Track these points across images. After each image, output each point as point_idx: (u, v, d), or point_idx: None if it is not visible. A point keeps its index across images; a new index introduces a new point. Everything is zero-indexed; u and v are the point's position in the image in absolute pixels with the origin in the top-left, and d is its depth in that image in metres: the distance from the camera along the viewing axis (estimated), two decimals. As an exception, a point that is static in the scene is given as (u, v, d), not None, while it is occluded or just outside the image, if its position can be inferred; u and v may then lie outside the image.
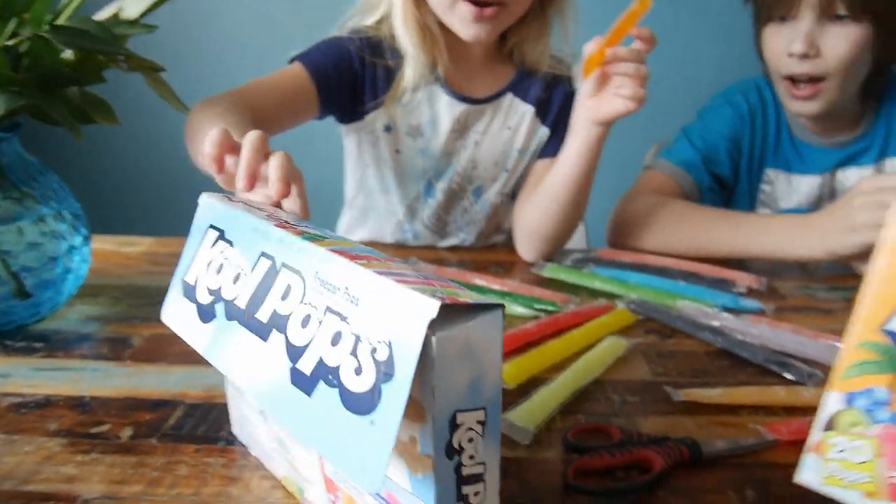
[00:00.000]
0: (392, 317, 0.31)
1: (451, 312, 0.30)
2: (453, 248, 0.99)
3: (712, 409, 0.57)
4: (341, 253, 0.36)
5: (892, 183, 0.78)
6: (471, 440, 0.32)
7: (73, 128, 0.54)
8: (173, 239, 0.92)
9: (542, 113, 0.95)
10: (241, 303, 0.40)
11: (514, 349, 0.65)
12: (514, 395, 0.57)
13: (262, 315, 0.38)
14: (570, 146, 0.84)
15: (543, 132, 0.96)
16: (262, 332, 0.38)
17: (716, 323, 0.71)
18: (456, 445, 0.32)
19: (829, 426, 0.39)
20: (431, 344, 0.30)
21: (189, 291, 0.44)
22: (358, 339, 0.32)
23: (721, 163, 1.05)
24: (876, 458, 0.38)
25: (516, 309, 0.73)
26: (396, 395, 0.30)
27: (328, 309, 0.34)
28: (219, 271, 0.42)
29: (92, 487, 0.45)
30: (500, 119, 0.94)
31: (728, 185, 1.08)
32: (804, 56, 0.93)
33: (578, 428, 0.53)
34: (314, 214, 0.51)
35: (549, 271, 0.85)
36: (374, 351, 0.31)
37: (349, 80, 0.90)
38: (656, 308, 0.75)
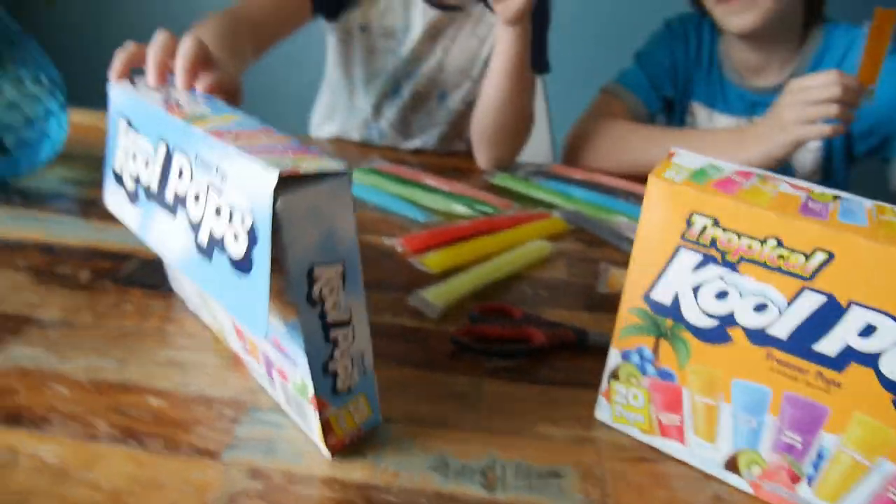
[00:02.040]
0: (250, 188, 0.36)
1: (301, 180, 0.35)
2: (416, 151, 1.04)
3: (614, 309, 0.64)
4: (217, 132, 0.40)
5: (817, 81, 0.81)
6: (332, 290, 0.38)
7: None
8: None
9: None
10: (153, 185, 0.45)
11: (445, 241, 0.71)
12: (434, 279, 0.64)
13: (169, 195, 0.43)
14: (494, 49, 0.89)
15: None
16: (171, 209, 0.43)
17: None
18: (316, 296, 0.37)
19: (614, 376, 0.46)
20: (277, 208, 0.35)
21: (118, 178, 0.49)
22: (231, 210, 0.37)
23: (665, 85, 1.09)
24: (648, 404, 0.45)
25: (457, 208, 0.79)
26: (261, 255, 0.35)
27: (209, 185, 0.39)
28: (134, 158, 0.47)
29: (50, 313, 0.52)
30: (470, 27, 0.98)
31: (674, 105, 1.11)
32: None
33: (485, 306, 0.60)
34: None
35: (499, 179, 0.91)
36: (242, 220, 0.37)
37: None
38: (588, 219, 0.80)
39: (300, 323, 0.38)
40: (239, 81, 0.60)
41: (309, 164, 0.36)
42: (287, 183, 0.34)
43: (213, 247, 0.39)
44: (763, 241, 0.39)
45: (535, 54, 1.00)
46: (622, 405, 0.47)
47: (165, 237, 0.44)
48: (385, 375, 0.51)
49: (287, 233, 0.35)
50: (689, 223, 0.41)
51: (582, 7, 1.81)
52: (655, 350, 0.45)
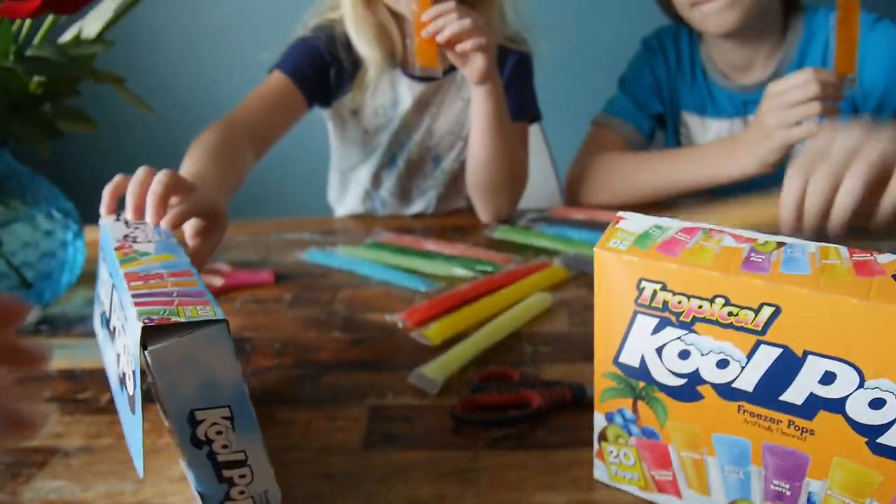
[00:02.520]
0: (132, 334, 0.39)
1: (177, 328, 0.38)
2: (418, 216, 1.07)
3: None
4: (136, 275, 0.45)
5: (793, 82, 0.80)
6: (219, 433, 0.40)
7: (39, 144, 0.64)
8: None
9: None
10: (107, 314, 0.50)
11: (445, 309, 0.73)
12: (436, 351, 0.66)
13: (110, 326, 0.48)
14: (472, 109, 0.93)
15: None
16: (113, 336, 0.48)
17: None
18: (202, 437, 0.39)
19: (603, 437, 0.47)
20: (148, 356, 0.37)
21: (97, 301, 0.55)
22: (126, 351, 0.41)
23: (652, 103, 1.09)
24: (639, 462, 0.46)
25: (458, 271, 0.81)
26: (137, 400, 0.39)
27: (122, 326, 0.43)
28: (102, 286, 0.52)
29: (73, 441, 0.56)
30: (454, 91, 1.01)
31: (667, 121, 1.11)
32: None
33: (483, 374, 0.61)
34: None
35: (500, 232, 0.92)
36: (129, 363, 0.40)
37: (324, 74, 1.00)
38: (589, 262, 0.81)
39: (188, 464, 0.40)
40: (219, 203, 0.64)
41: (188, 313, 0.39)
42: (163, 331, 0.37)
43: (122, 382, 0.44)
44: (711, 301, 0.39)
45: (525, 106, 1.03)
46: (616, 465, 0.48)
47: (108, 362, 0.50)
48: (387, 461, 0.52)
49: (162, 379, 0.38)
50: (639, 289, 0.42)
51: (575, 47, 1.83)
52: (635, 411, 0.45)
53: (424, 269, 0.83)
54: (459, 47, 0.82)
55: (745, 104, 1.04)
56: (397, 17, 0.95)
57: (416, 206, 1.09)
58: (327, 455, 0.54)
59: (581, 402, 0.57)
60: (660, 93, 1.10)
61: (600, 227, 0.91)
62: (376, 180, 1.08)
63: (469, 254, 0.85)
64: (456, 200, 1.10)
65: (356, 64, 1.00)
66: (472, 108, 0.93)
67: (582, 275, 0.80)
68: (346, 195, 1.13)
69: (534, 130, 1.22)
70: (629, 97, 1.09)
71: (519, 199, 0.99)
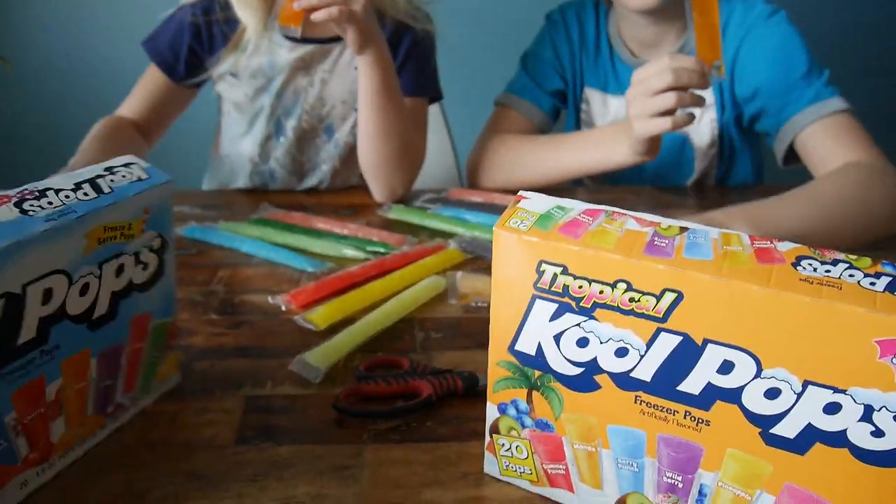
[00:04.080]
0: None
1: None
2: (311, 191, 1.01)
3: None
4: None
5: (652, 70, 0.78)
6: None
7: None
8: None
9: None
10: None
11: (334, 292, 0.68)
12: (321, 337, 0.61)
13: None
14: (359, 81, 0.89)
15: None
16: None
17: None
18: None
19: (495, 429, 0.44)
20: None
21: None
22: None
23: (551, 79, 1.06)
24: (531, 455, 0.44)
25: (347, 252, 0.76)
26: None
27: None
28: None
29: None
30: (347, 58, 0.96)
31: (567, 96, 1.08)
32: None
33: (370, 361, 0.57)
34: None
35: (395, 212, 0.88)
36: None
37: (193, 53, 0.96)
38: (486, 246, 0.79)
39: None
40: None
41: None
42: None
43: None
44: (613, 285, 0.37)
45: (423, 83, 0.99)
46: (508, 458, 0.45)
47: None
48: (261, 457, 0.48)
49: None
50: (539, 272, 0.39)
51: (481, 25, 1.80)
52: (529, 401, 0.43)
53: (313, 248, 0.78)
54: (315, 16, 0.78)
55: None
56: None
57: (309, 181, 1.03)
58: (194, 452, 0.48)
59: (473, 391, 0.54)
60: (561, 69, 1.07)
61: (498, 210, 0.88)
62: (263, 151, 1.00)
63: (361, 233, 0.81)
64: (351, 178, 1.04)
65: (229, 24, 0.94)
66: (359, 80, 0.89)
67: (478, 259, 0.78)
68: (234, 176, 1.04)
69: (434, 111, 1.19)
70: (529, 75, 1.06)
71: (414, 178, 0.95)
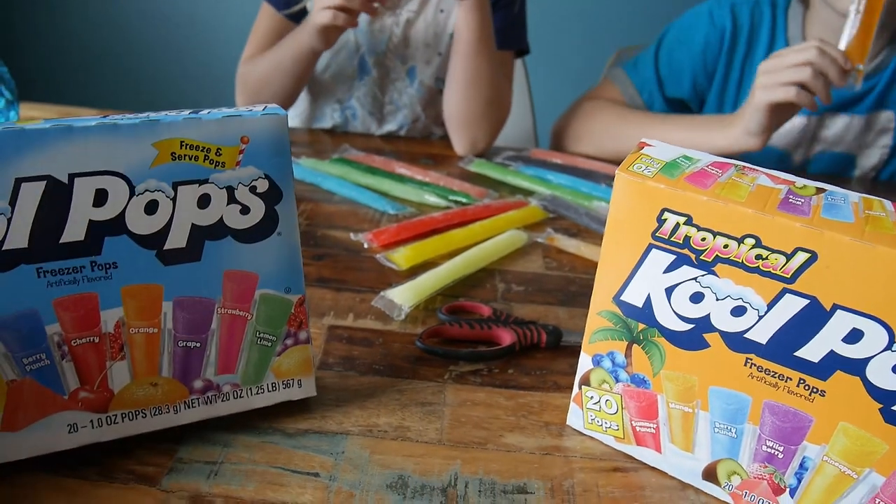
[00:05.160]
0: None
1: None
2: (389, 137, 1.00)
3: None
4: None
5: (797, 46, 0.76)
6: None
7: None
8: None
9: None
10: None
11: (415, 235, 0.68)
12: (403, 277, 0.61)
13: None
14: (455, 28, 0.87)
15: None
16: None
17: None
18: None
19: (585, 381, 0.43)
20: None
21: None
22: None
23: (681, 86, 1.00)
24: (621, 411, 0.42)
25: (430, 198, 0.75)
26: None
27: None
28: None
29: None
30: (434, 1, 0.94)
31: (691, 108, 1.02)
32: None
33: (453, 305, 0.57)
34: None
35: (476, 166, 0.87)
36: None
37: None
38: (568, 205, 0.77)
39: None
40: None
41: None
42: None
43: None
44: (740, 241, 0.36)
45: (511, 34, 0.96)
46: (594, 411, 0.44)
47: None
48: (344, 384, 0.48)
49: None
50: (660, 220, 0.38)
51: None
52: (628, 355, 0.42)
53: (394, 192, 0.77)
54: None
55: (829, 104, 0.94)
56: None
57: (389, 125, 1.02)
58: (278, 371, 0.48)
59: (556, 346, 0.53)
60: (704, 70, 0.98)
61: (579, 172, 0.87)
62: (346, 88, 1.00)
63: (443, 182, 0.80)
64: (433, 128, 1.03)
65: None
66: (456, 27, 0.87)
67: (559, 217, 0.76)
68: (317, 110, 1.04)
69: (517, 67, 1.16)
70: (659, 69, 0.99)
71: (497, 132, 0.93)
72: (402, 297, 0.56)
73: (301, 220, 0.71)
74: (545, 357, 0.53)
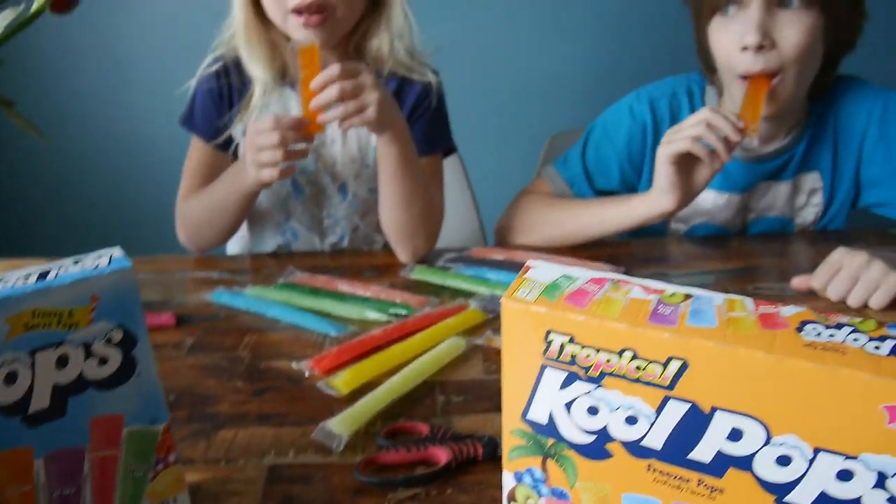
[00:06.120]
0: None
1: None
2: (334, 254, 1.03)
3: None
4: None
5: (686, 123, 0.85)
6: None
7: None
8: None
9: None
10: None
11: (356, 356, 0.69)
12: (345, 402, 0.62)
13: None
14: (376, 151, 0.92)
15: None
16: None
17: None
18: None
19: (512, 497, 0.45)
20: None
21: None
22: None
23: (609, 179, 1.04)
24: None
25: (370, 315, 0.78)
26: None
27: None
28: None
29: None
30: None
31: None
32: (759, 48, 0.86)
33: (390, 428, 0.58)
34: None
35: (418, 273, 0.90)
36: None
37: (218, 118, 1.00)
38: (506, 306, 0.79)
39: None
40: None
41: None
42: None
43: None
44: (620, 354, 0.38)
45: (436, 138, 1.01)
46: (527, 527, 0.45)
47: None
48: (282, 529, 0.48)
49: None
50: (547, 342, 0.40)
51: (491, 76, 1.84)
52: (545, 470, 0.43)
53: (337, 311, 0.79)
54: (324, 117, 0.82)
55: (759, 177, 1.01)
56: (288, 36, 0.93)
57: (331, 238, 1.05)
58: (217, 523, 0.49)
59: (493, 456, 0.54)
60: (629, 167, 1.03)
61: (518, 267, 0.89)
62: (284, 210, 1.04)
63: (383, 295, 0.82)
64: (374, 235, 1.06)
65: (249, 83, 0.99)
66: (377, 153, 0.91)
67: (499, 318, 0.78)
68: (259, 235, 1.08)
69: (453, 164, 1.21)
70: (584, 164, 1.04)
71: (436, 237, 0.97)
72: (341, 426, 0.57)
73: (245, 354, 0.72)
74: (483, 470, 0.54)
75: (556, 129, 1.29)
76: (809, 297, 0.82)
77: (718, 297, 0.39)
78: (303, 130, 0.83)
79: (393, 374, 0.65)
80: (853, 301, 0.78)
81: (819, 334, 0.35)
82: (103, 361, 0.42)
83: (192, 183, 1.01)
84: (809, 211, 1.05)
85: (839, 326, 0.35)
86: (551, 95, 1.66)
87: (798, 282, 0.83)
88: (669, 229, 1.08)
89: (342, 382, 0.64)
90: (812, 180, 1.03)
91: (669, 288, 0.40)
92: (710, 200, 1.03)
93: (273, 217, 1.05)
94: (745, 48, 0.87)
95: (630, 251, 0.99)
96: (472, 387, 0.65)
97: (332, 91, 0.80)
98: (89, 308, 0.41)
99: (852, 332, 0.35)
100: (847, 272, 0.79)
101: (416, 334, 0.72)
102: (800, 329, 0.35)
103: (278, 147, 0.82)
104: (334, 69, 0.80)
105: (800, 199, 1.04)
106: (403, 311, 0.78)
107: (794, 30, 0.86)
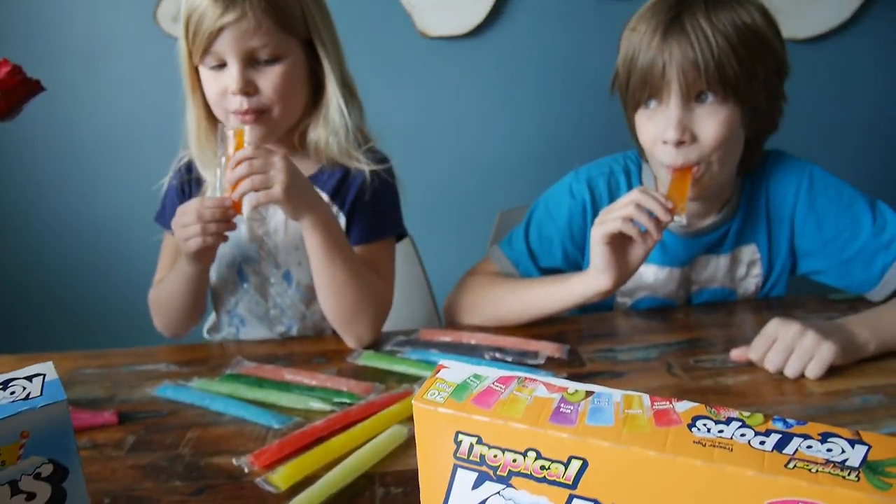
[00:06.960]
0: None
1: None
2: (284, 341, 1.03)
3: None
4: None
5: (616, 204, 0.89)
6: None
7: None
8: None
9: (337, 201, 1.00)
10: None
11: (297, 449, 0.69)
12: (282, 499, 0.62)
13: None
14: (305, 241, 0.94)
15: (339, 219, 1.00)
16: None
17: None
18: None
19: None
20: None
21: None
22: None
23: (553, 257, 1.06)
24: None
25: (314, 405, 0.78)
26: None
27: None
28: None
29: None
30: None
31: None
32: (679, 143, 0.90)
33: (326, 528, 0.58)
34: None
35: (364, 359, 0.90)
36: None
37: None
38: (450, 390, 0.80)
39: None
40: None
41: None
42: None
43: None
44: (524, 454, 0.39)
45: (386, 224, 1.03)
46: None
47: None
48: None
49: None
50: (457, 443, 0.41)
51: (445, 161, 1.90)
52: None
53: (282, 401, 0.79)
54: (251, 201, 0.86)
55: (696, 251, 1.04)
56: None
57: (279, 327, 1.06)
58: None
59: (427, 551, 0.54)
60: (571, 244, 1.06)
61: (463, 349, 0.91)
62: (233, 296, 1.05)
63: (329, 384, 0.83)
64: (322, 323, 1.07)
65: (203, 181, 1.03)
66: (305, 240, 0.93)
67: (443, 402, 0.79)
68: (219, 319, 1.09)
69: (405, 246, 1.23)
70: (530, 245, 1.06)
71: (380, 324, 0.97)
72: (275, 526, 0.57)
73: (186, 451, 0.72)
74: (416, 567, 0.53)
75: (506, 206, 1.33)
76: (750, 368, 0.85)
77: (617, 394, 0.40)
78: (226, 211, 0.87)
79: (333, 466, 0.65)
80: (790, 372, 0.81)
81: (709, 430, 0.36)
82: (32, 497, 0.41)
83: (162, 270, 1.05)
84: (750, 281, 1.08)
85: (728, 421, 0.37)
86: (499, 174, 1.72)
87: (737, 354, 0.86)
88: (616, 303, 1.10)
89: (280, 478, 0.64)
90: (750, 252, 1.07)
91: (572, 385, 0.41)
92: (652, 275, 1.06)
93: (225, 304, 1.06)
94: (665, 142, 0.91)
95: (578, 327, 1.01)
96: (411, 477, 0.65)
97: (242, 167, 0.84)
98: (18, 444, 0.40)
99: (740, 426, 0.36)
100: (782, 343, 0.82)
101: (359, 424, 0.72)
102: (692, 425, 0.37)
103: (196, 222, 0.86)
104: (248, 149, 0.85)
105: (740, 270, 1.08)
106: (347, 400, 0.78)
107: (712, 123, 0.90)
